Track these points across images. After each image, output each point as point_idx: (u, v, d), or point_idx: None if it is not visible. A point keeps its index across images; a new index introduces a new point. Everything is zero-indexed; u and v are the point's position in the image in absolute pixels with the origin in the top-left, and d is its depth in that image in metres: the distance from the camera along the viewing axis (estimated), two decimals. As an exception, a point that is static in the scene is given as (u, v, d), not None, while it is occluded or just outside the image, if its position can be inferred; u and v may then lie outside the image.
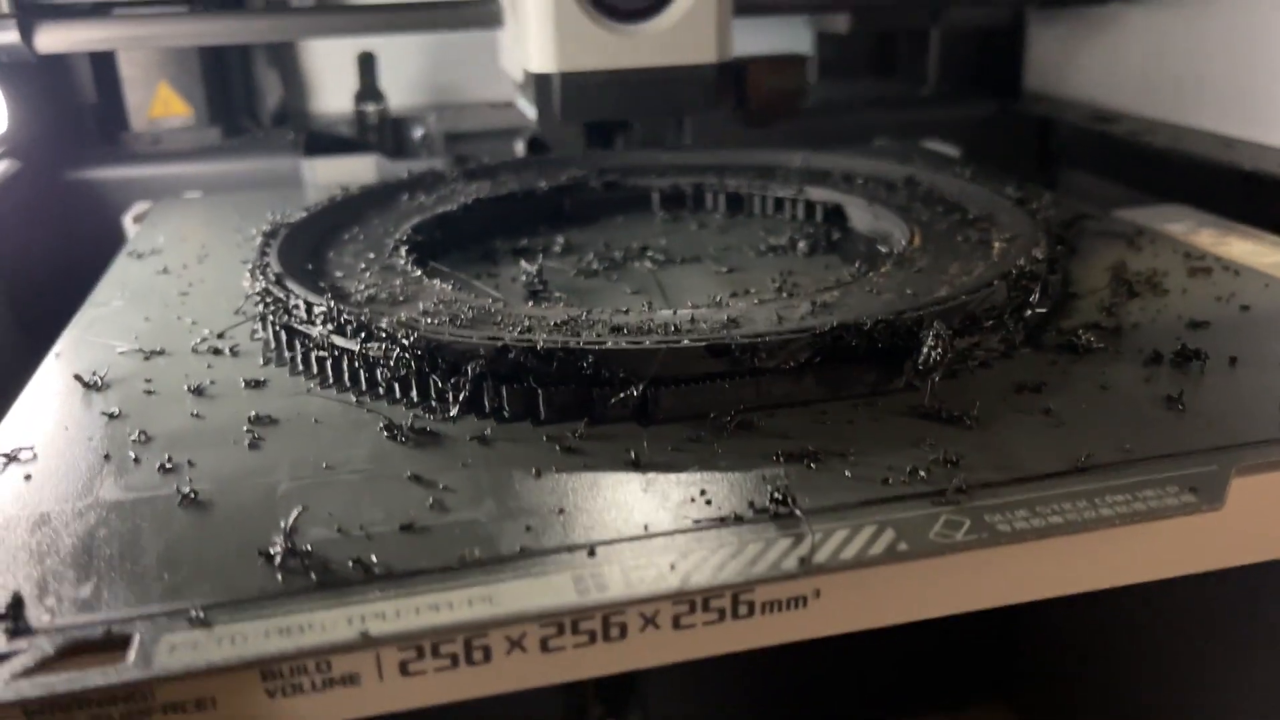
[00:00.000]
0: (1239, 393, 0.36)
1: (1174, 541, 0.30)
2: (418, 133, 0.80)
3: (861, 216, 0.56)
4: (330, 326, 0.39)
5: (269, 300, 0.43)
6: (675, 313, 0.40)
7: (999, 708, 0.89)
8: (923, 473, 0.31)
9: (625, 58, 0.55)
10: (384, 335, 0.37)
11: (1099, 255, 0.51)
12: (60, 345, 0.45)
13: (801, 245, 0.53)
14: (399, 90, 0.87)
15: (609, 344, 0.35)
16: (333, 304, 0.40)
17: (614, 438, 0.34)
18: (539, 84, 0.55)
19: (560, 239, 0.57)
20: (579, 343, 0.36)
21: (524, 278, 0.49)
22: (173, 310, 0.48)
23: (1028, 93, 0.90)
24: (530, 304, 0.42)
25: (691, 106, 0.58)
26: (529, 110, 0.62)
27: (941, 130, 0.82)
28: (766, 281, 0.48)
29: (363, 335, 0.38)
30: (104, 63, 0.78)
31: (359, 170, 0.73)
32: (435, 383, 0.36)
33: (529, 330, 0.38)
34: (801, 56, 0.66)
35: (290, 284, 0.43)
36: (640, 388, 0.35)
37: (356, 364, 0.38)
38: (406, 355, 0.37)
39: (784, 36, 0.94)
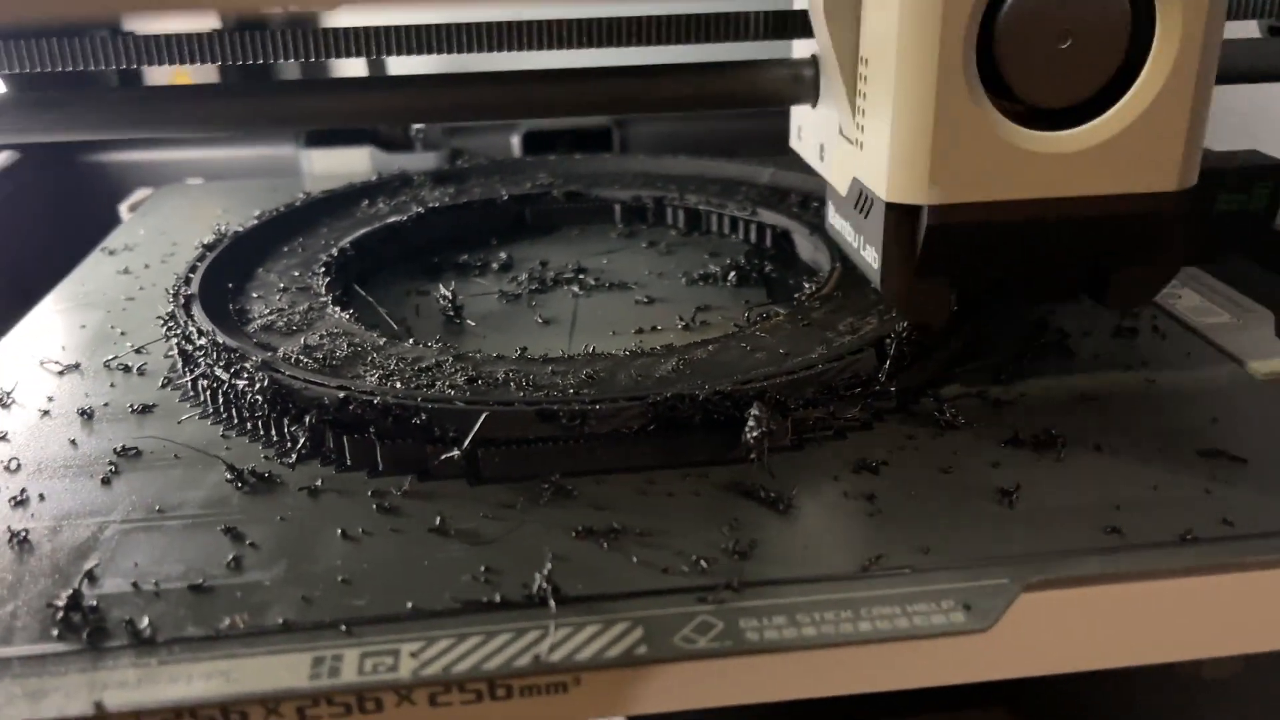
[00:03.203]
0: (1080, 488, 0.34)
1: (936, 655, 0.29)
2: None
3: (805, 245, 0.55)
4: (212, 356, 0.41)
5: (171, 320, 0.45)
6: (543, 362, 0.40)
7: (999, 714, 0.87)
8: (704, 563, 0.31)
9: (1037, 184, 0.34)
10: (245, 374, 0.39)
11: (1031, 306, 0.48)
12: (-4, 352, 0.47)
13: (731, 276, 0.53)
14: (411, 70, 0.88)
15: (439, 402, 0.36)
16: (214, 333, 0.41)
17: (437, 497, 0.35)
18: (890, 220, 0.35)
19: (504, 254, 0.57)
20: (417, 400, 0.36)
21: (441, 302, 0.50)
22: (112, 317, 0.50)
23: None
24: (410, 342, 0.43)
25: (1133, 260, 0.37)
26: (853, 244, 0.41)
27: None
28: (676, 318, 0.48)
29: (232, 371, 0.40)
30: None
31: (353, 162, 0.75)
32: (286, 426, 0.38)
33: (389, 375, 0.39)
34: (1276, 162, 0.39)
35: (193, 307, 0.45)
36: (462, 448, 0.35)
37: (230, 398, 0.40)
38: (259, 397, 0.38)
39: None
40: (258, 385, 0.38)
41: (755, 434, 0.35)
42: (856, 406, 0.38)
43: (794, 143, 0.48)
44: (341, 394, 0.37)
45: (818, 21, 0.39)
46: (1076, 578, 0.30)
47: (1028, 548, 0.31)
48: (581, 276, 0.54)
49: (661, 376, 0.39)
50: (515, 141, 0.78)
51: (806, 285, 0.51)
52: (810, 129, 0.45)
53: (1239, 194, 0.39)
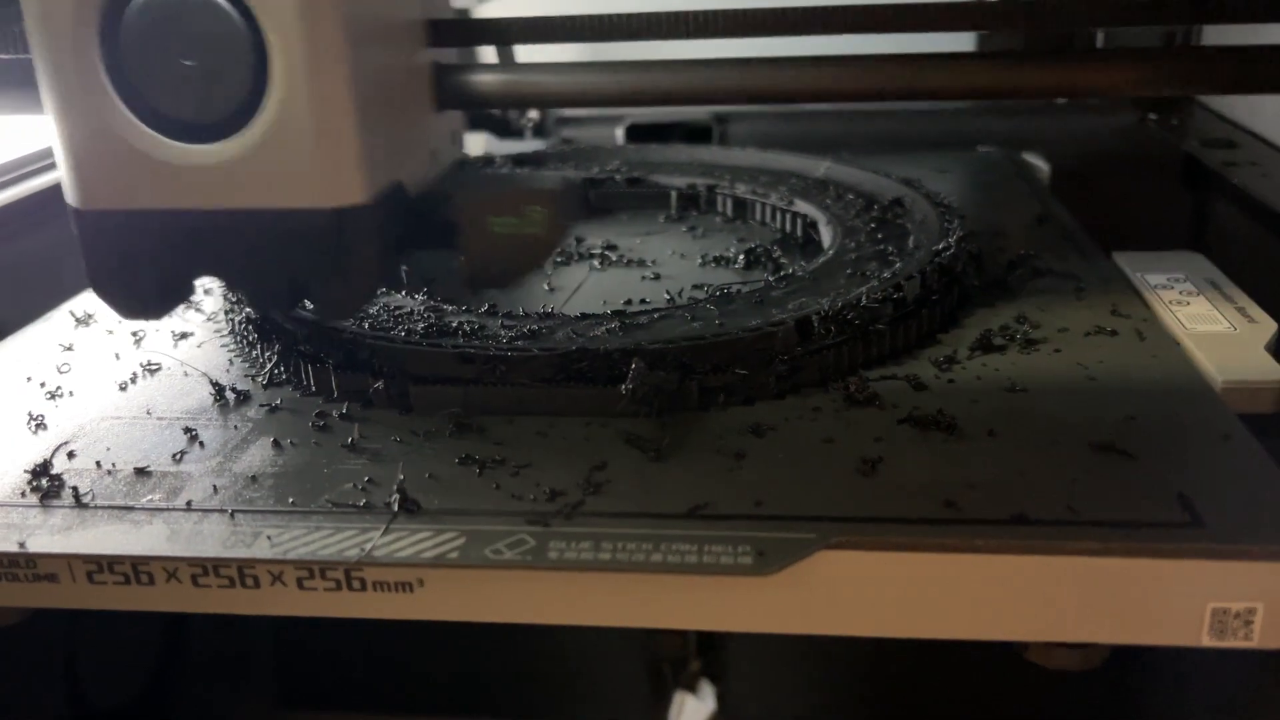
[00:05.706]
0: (945, 467, 0.35)
1: (719, 594, 0.31)
2: (531, 114, 0.87)
3: (827, 234, 0.56)
4: (233, 295, 0.48)
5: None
6: (500, 316, 0.44)
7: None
8: (551, 493, 0.34)
9: (184, 194, 0.35)
10: (244, 307, 0.45)
11: (1024, 303, 0.48)
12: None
13: (741, 260, 0.55)
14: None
15: (382, 340, 0.41)
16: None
17: (367, 422, 0.40)
18: (74, 219, 0.37)
19: (549, 230, 0.61)
20: (366, 337, 0.41)
21: (468, 267, 0.55)
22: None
23: (1192, 106, 0.81)
24: (403, 293, 0.48)
25: (326, 274, 0.37)
26: None
27: (1064, 140, 0.77)
28: (663, 294, 0.51)
29: (242, 307, 0.46)
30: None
31: (470, 146, 0.81)
32: (263, 351, 0.44)
33: (365, 318, 0.44)
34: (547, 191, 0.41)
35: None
36: (384, 381, 0.40)
37: (239, 328, 0.46)
38: (248, 326, 0.44)
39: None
40: (250, 317, 0.44)
41: (630, 386, 0.37)
42: (770, 376, 0.40)
43: None
44: (306, 328, 0.42)
45: None
46: (880, 541, 0.31)
47: (854, 511, 0.32)
48: (607, 253, 0.57)
49: (594, 336, 0.42)
50: (619, 133, 0.82)
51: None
52: None
53: (510, 218, 0.40)
